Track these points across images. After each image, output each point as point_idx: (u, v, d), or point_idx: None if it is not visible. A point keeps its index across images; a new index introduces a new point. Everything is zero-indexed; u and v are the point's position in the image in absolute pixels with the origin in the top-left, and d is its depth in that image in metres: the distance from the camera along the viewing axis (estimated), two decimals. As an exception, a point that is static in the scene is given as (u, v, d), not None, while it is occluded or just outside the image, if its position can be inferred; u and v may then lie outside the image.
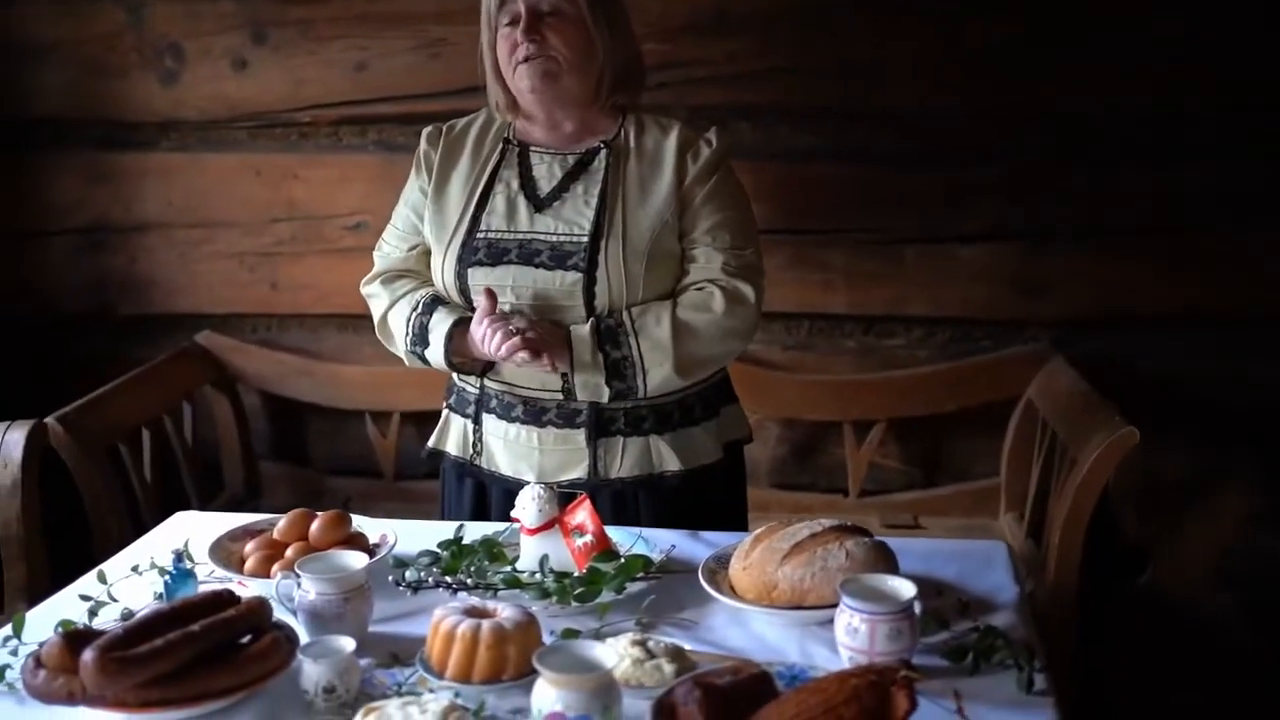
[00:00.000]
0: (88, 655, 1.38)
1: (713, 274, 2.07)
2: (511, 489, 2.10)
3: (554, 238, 2.06)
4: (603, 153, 2.11)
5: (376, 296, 2.23)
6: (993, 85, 2.77)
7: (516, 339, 1.95)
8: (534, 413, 2.12)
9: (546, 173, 2.12)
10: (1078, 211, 2.81)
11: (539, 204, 2.09)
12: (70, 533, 2.56)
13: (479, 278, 2.07)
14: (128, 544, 2.06)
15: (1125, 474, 2.55)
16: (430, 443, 2.28)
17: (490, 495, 2.20)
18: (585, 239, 2.04)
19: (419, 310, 2.14)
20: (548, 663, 1.38)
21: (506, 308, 2.04)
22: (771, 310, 2.84)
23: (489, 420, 2.17)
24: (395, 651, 1.63)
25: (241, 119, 3.04)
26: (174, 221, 3.11)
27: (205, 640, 1.46)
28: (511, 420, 2.14)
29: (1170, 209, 2.77)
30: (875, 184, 2.86)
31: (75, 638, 1.46)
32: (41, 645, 1.50)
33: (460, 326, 2.07)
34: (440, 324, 2.10)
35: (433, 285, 2.18)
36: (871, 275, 2.90)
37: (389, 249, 2.26)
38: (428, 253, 2.19)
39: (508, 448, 2.15)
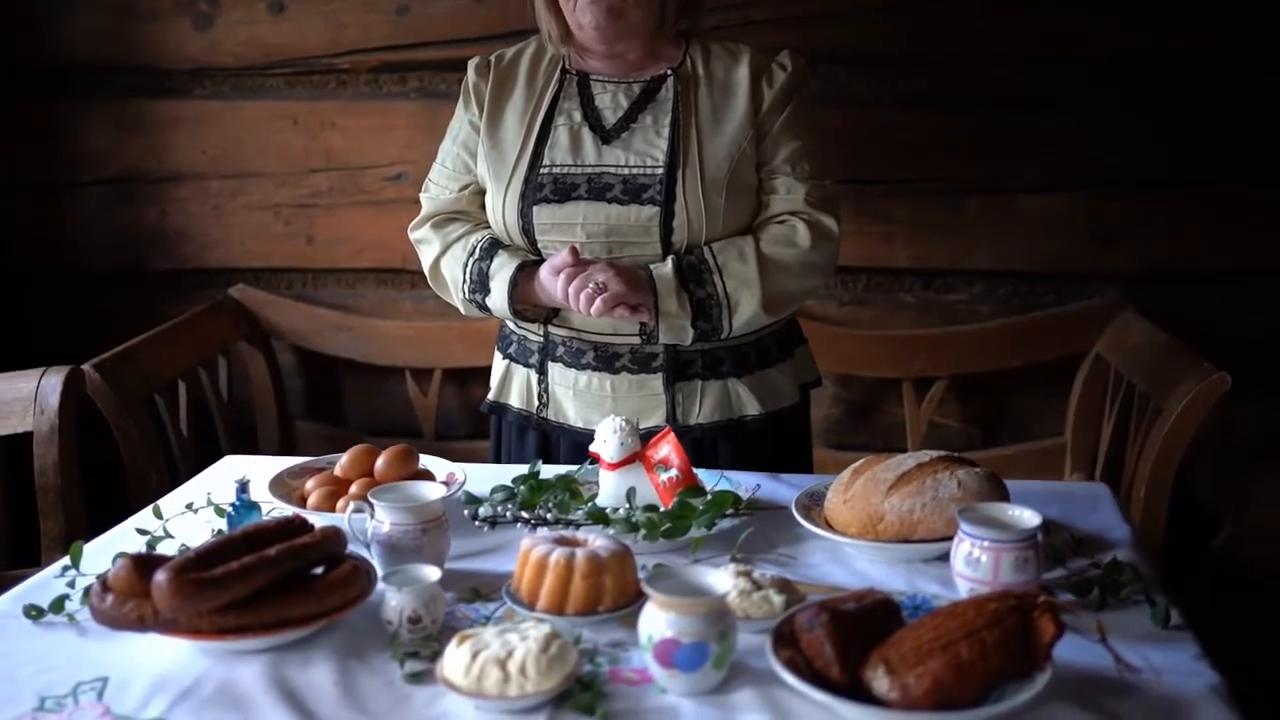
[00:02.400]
0: (161, 576, 1.28)
1: (795, 206, 1.96)
2: (582, 440, 2.00)
3: (626, 170, 1.94)
4: (670, 80, 2.00)
5: (427, 242, 2.10)
6: (1061, 28, 2.66)
7: (607, 295, 1.83)
8: (606, 359, 2.01)
9: (611, 103, 2.00)
10: (1149, 160, 2.70)
11: (606, 135, 1.98)
12: (106, 492, 2.46)
13: (545, 215, 1.96)
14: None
15: (1199, 432, 2.44)
16: (490, 396, 2.17)
17: (558, 448, 2.09)
18: (660, 170, 1.93)
19: (476, 255, 2.02)
20: (659, 588, 1.28)
21: (577, 248, 1.91)
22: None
23: (555, 369, 2.05)
24: (476, 587, 1.53)
25: (278, 65, 2.92)
26: (207, 172, 3.00)
27: (282, 565, 1.36)
28: (581, 368, 2.02)
29: (1246, 157, 2.67)
30: (938, 132, 2.75)
31: (144, 561, 1.35)
32: (105, 574, 1.39)
33: (525, 271, 1.96)
34: (503, 269, 1.98)
35: (487, 227, 2.07)
36: (933, 227, 2.79)
37: (437, 190, 2.13)
38: (480, 192, 2.08)
39: (577, 397, 2.04)
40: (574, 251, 1.88)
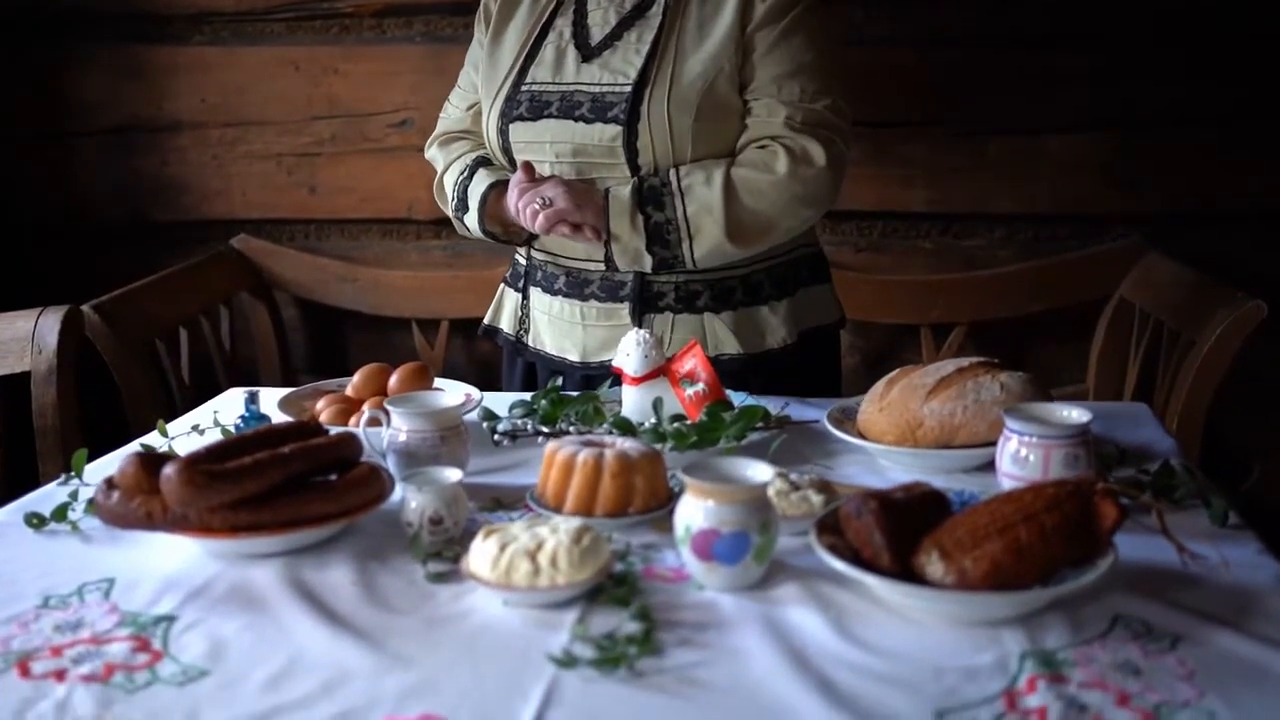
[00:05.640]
0: (170, 469, 1.21)
1: (775, 130, 1.84)
2: (557, 369, 1.97)
3: (597, 88, 1.86)
4: None
5: (434, 160, 2.11)
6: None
7: (549, 211, 1.77)
8: (576, 285, 1.95)
9: (600, 20, 1.92)
10: (1175, 98, 2.63)
11: (588, 53, 1.91)
12: (108, 443, 2.39)
13: (519, 133, 1.91)
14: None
15: (1228, 376, 2.38)
16: (486, 319, 2.14)
17: (538, 377, 2.04)
18: (628, 88, 1.83)
19: (465, 174, 1.99)
20: (697, 475, 1.21)
21: (546, 168, 1.86)
22: (843, 209, 2.69)
23: (535, 294, 2.02)
24: (498, 497, 1.47)
25: (279, 9, 2.86)
26: (207, 121, 2.94)
27: (297, 463, 1.29)
28: (554, 293, 1.97)
29: (1275, 94, 2.60)
30: (957, 71, 2.69)
31: (152, 458, 1.28)
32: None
33: (496, 189, 1.92)
34: (477, 186, 1.95)
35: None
36: (952, 170, 2.73)
37: (452, 110, 2.13)
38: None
39: (552, 324, 1.99)
40: (528, 167, 1.83)
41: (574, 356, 1.95)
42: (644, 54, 1.86)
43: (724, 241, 1.83)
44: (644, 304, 1.91)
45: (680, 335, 1.90)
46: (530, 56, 1.95)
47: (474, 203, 1.94)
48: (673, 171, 1.83)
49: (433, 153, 2.11)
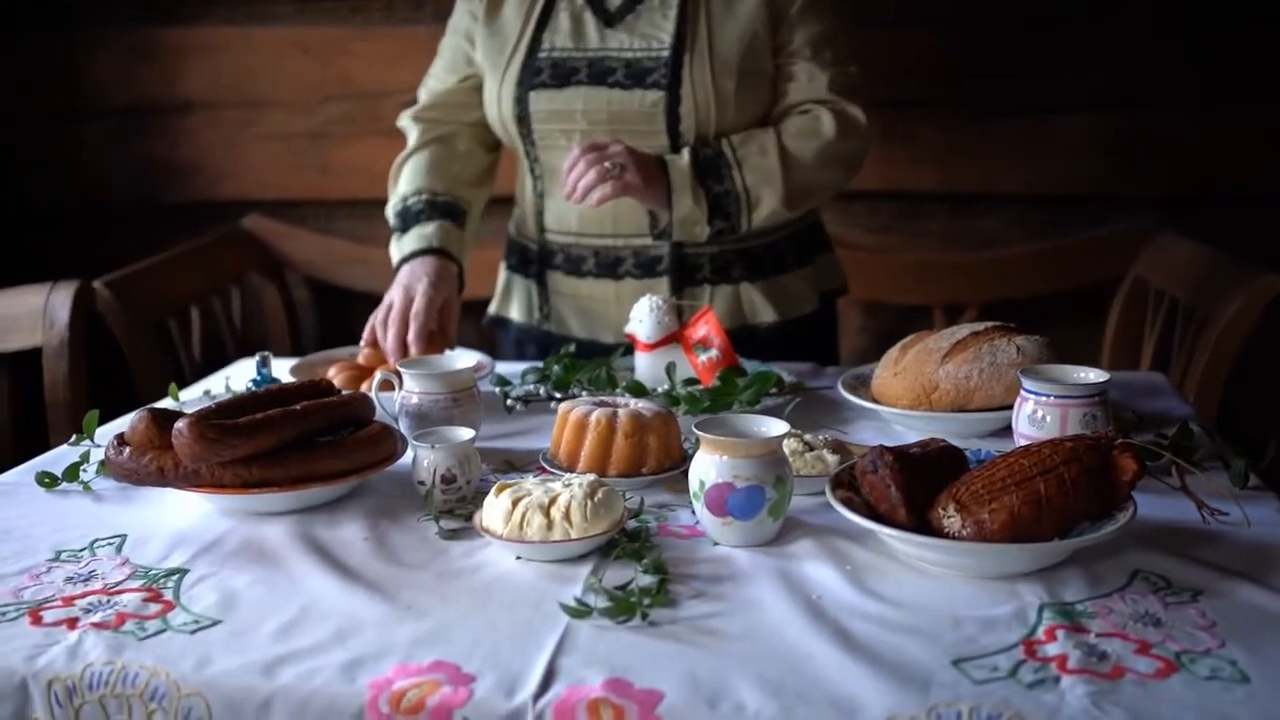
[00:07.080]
0: (182, 424, 1.21)
1: (818, 94, 1.85)
2: (586, 354, 1.92)
3: (630, 54, 1.83)
4: None
5: (407, 132, 2.05)
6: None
7: (618, 184, 1.68)
8: (607, 264, 1.91)
9: None
10: (1186, 78, 2.61)
11: (609, 18, 1.87)
12: (117, 417, 2.39)
13: (542, 101, 1.86)
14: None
15: (1242, 359, 2.36)
16: (491, 309, 2.09)
17: None
18: (666, 53, 1.81)
19: (420, 208, 1.92)
20: (711, 430, 1.20)
21: (576, 136, 1.82)
22: (853, 189, 2.66)
23: (555, 278, 1.97)
24: (511, 460, 1.46)
25: (290, -10, 2.86)
26: (219, 102, 2.94)
27: (309, 421, 1.29)
28: (582, 275, 1.93)
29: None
30: (967, 53, 2.67)
31: (164, 414, 1.28)
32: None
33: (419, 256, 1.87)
34: (414, 240, 1.88)
35: (466, 130, 2.01)
36: (962, 150, 2.71)
37: (434, 83, 2.06)
38: (479, 87, 1.99)
39: (580, 307, 1.95)
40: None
41: (609, 338, 1.92)
42: (672, 18, 1.84)
43: (780, 209, 1.82)
44: (681, 277, 1.89)
45: (719, 306, 1.90)
46: (542, 24, 1.90)
47: (402, 250, 1.89)
48: (725, 142, 1.81)
49: (405, 124, 2.05)
